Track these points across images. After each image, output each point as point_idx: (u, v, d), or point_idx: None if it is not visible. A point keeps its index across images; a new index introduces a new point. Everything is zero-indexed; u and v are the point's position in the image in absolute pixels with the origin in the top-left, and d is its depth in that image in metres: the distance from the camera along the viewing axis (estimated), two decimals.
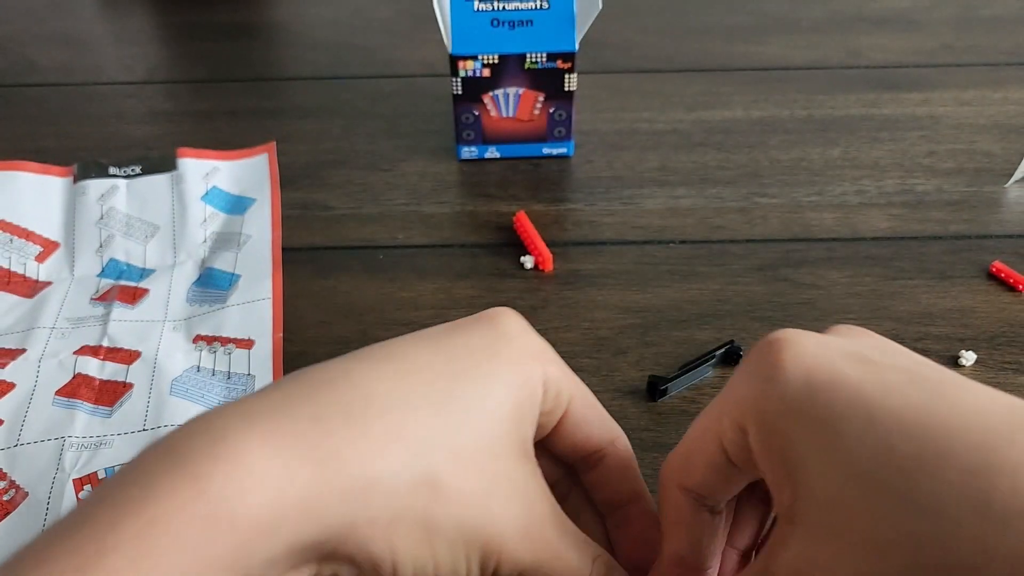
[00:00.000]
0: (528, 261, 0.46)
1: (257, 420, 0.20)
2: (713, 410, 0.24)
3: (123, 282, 0.44)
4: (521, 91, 0.50)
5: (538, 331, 0.26)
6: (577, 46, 0.48)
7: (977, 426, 0.19)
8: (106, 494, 0.18)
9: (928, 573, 0.18)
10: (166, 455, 0.19)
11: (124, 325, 0.42)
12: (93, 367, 0.39)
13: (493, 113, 0.51)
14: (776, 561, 0.21)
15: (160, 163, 0.51)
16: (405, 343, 0.23)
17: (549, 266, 0.45)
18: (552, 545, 0.23)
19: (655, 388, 0.38)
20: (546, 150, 0.53)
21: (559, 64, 0.48)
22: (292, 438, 0.20)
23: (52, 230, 0.47)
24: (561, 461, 0.27)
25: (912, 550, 0.18)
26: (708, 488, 0.24)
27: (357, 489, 0.20)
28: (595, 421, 0.26)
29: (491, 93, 0.50)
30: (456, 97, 0.50)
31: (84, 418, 0.37)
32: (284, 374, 0.32)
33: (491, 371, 0.23)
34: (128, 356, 0.40)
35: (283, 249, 0.47)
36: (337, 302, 0.44)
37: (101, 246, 0.46)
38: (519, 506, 0.22)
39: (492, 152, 0.53)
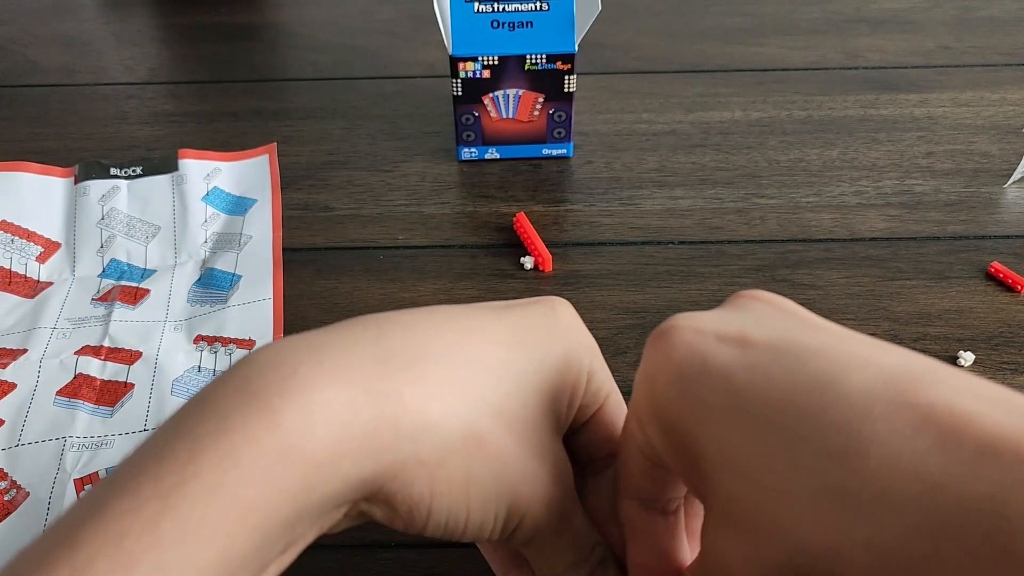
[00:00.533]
0: (528, 262, 0.46)
1: (326, 356, 0.20)
2: (628, 414, 0.24)
3: (124, 282, 0.44)
4: (521, 92, 0.50)
5: None
6: (577, 47, 0.48)
7: (837, 403, 0.18)
8: (182, 429, 0.19)
9: (798, 560, 0.18)
10: (239, 390, 0.19)
11: (125, 325, 0.42)
12: (94, 367, 0.39)
13: (493, 114, 0.51)
14: (704, 547, 0.21)
15: (161, 164, 0.51)
16: (469, 308, 0.24)
17: (549, 267, 0.45)
18: (570, 518, 0.24)
19: None
20: (546, 151, 0.53)
21: (559, 65, 0.49)
22: (358, 376, 0.20)
23: (53, 231, 0.47)
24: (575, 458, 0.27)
25: (784, 541, 0.18)
26: (649, 492, 0.24)
27: (413, 429, 0.20)
28: (621, 425, 0.26)
29: (491, 94, 0.50)
30: (456, 98, 0.50)
31: (85, 418, 0.37)
32: None
33: (546, 348, 0.24)
34: (129, 356, 0.40)
35: (284, 250, 0.47)
36: (338, 303, 0.44)
37: (102, 246, 0.46)
38: (550, 475, 0.23)
39: (492, 153, 0.53)
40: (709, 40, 0.65)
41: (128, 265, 0.46)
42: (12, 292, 0.44)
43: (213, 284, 0.44)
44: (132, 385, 0.39)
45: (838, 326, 0.22)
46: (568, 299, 0.44)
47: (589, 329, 0.26)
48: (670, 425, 0.21)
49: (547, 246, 0.46)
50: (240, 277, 0.45)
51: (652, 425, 0.22)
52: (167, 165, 0.51)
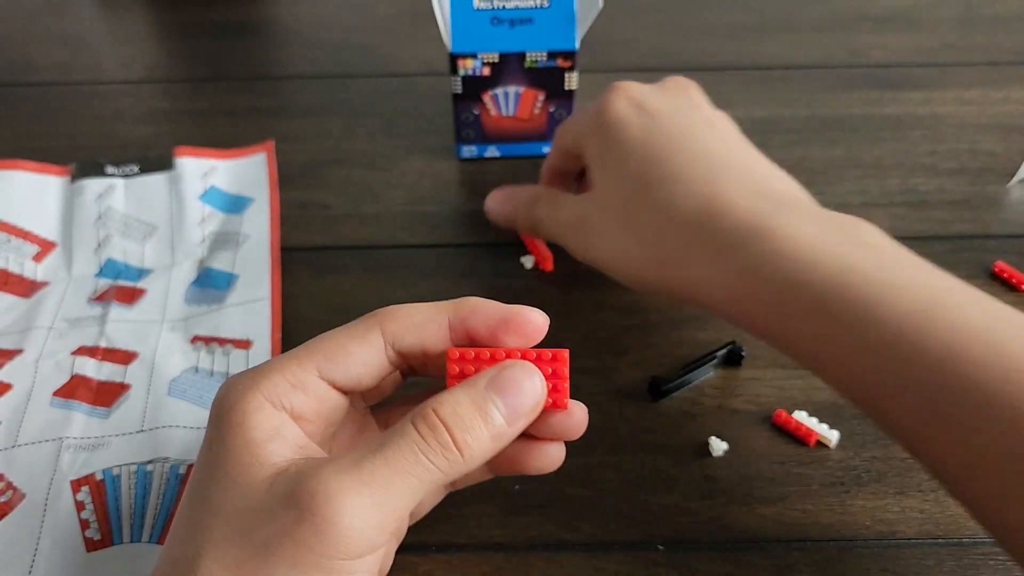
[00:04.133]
0: (528, 261, 0.45)
1: None
2: (566, 126, 0.42)
3: (121, 282, 0.44)
4: (521, 90, 0.49)
5: None
6: (578, 45, 0.48)
7: (701, 157, 0.36)
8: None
9: (662, 256, 0.35)
10: None
11: (122, 325, 0.41)
12: (91, 368, 0.39)
13: (493, 112, 0.50)
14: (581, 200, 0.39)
15: (158, 162, 0.50)
16: None
17: (550, 266, 0.45)
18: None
19: (656, 388, 0.38)
20: (546, 149, 0.52)
21: (559, 63, 0.48)
22: None
23: (49, 230, 0.47)
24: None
25: (646, 239, 0.35)
26: (564, 166, 0.43)
27: None
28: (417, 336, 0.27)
29: (491, 92, 0.49)
30: (456, 96, 0.49)
31: (82, 419, 0.37)
32: None
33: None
34: (126, 357, 0.40)
35: (282, 249, 0.46)
36: (336, 302, 0.43)
37: (99, 246, 0.46)
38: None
39: (492, 151, 0.53)
40: (712, 37, 0.64)
41: (125, 265, 0.45)
42: (8, 292, 0.43)
43: (210, 284, 0.44)
44: (129, 385, 0.39)
45: (723, 121, 0.39)
46: (569, 299, 0.44)
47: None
48: (588, 143, 0.39)
49: (548, 245, 0.46)
50: (237, 277, 0.44)
51: (579, 140, 0.40)
52: (164, 163, 0.50)
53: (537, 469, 0.29)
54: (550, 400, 0.27)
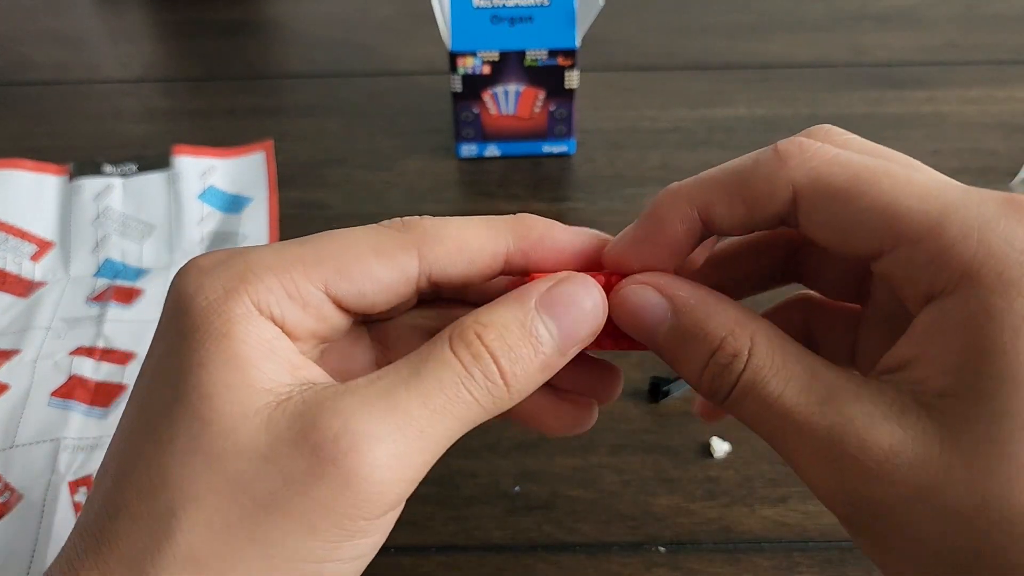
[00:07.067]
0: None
1: None
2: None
3: (119, 282, 0.44)
4: (521, 88, 0.49)
5: None
6: (578, 43, 0.48)
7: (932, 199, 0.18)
8: None
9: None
10: None
11: (120, 326, 0.41)
12: (88, 368, 0.39)
13: (493, 111, 0.50)
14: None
15: (156, 161, 0.50)
16: None
17: None
18: None
19: (657, 389, 0.38)
20: (547, 148, 0.52)
21: (560, 61, 0.48)
22: None
23: (47, 229, 0.47)
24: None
25: None
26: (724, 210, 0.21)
27: None
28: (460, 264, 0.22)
29: (491, 90, 0.49)
30: (456, 95, 0.49)
31: (79, 419, 0.37)
32: None
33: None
34: (123, 357, 0.40)
35: None
36: None
37: (97, 245, 0.46)
38: None
39: (492, 150, 0.52)
40: (713, 36, 0.64)
41: (123, 264, 0.45)
42: (6, 291, 0.43)
43: None
44: (127, 386, 0.38)
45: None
46: None
47: None
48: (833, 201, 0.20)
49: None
50: None
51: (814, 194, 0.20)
52: (162, 162, 0.50)
53: (561, 427, 0.23)
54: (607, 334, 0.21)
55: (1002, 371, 0.16)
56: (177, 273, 0.20)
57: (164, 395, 0.18)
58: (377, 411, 0.18)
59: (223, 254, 0.20)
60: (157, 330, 0.20)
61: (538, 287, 0.20)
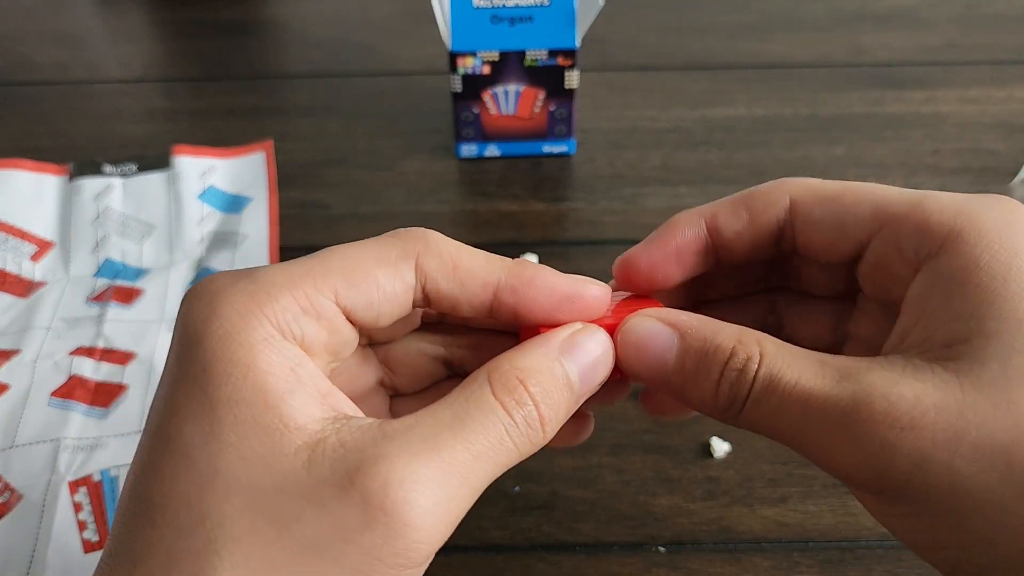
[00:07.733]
0: (532, 259, 0.45)
1: None
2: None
3: (119, 282, 0.44)
4: (521, 88, 0.49)
5: None
6: (578, 43, 0.48)
7: None
8: None
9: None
10: None
11: (120, 326, 0.41)
12: (88, 368, 0.39)
13: (493, 111, 0.50)
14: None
15: (156, 161, 0.50)
16: None
17: None
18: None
19: None
20: (547, 148, 0.52)
21: (560, 61, 0.48)
22: None
23: (47, 229, 0.47)
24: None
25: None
26: (737, 236, 0.23)
27: None
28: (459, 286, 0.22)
29: (491, 90, 0.49)
30: (456, 95, 0.49)
31: (79, 419, 0.37)
32: None
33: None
34: (124, 357, 0.40)
35: (280, 249, 0.46)
36: None
37: (97, 245, 0.46)
38: None
39: (492, 150, 0.52)
40: (713, 36, 0.64)
41: (123, 264, 0.45)
42: (6, 291, 0.43)
43: None
44: (127, 386, 0.38)
45: None
46: None
47: None
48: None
49: (548, 244, 0.45)
50: None
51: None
52: (162, 162, 0.50)
53: (560, 441, 0.23)
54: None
55: (1001, 311, 0.18)
56: (184, 299, 0.20)
57: (194, 432, 0.18)
58: (422, 457, 0.18)
59: (229, 276, 0.20)
60: (170, 358, 0.19)
61: (559, 335, 0.21)
